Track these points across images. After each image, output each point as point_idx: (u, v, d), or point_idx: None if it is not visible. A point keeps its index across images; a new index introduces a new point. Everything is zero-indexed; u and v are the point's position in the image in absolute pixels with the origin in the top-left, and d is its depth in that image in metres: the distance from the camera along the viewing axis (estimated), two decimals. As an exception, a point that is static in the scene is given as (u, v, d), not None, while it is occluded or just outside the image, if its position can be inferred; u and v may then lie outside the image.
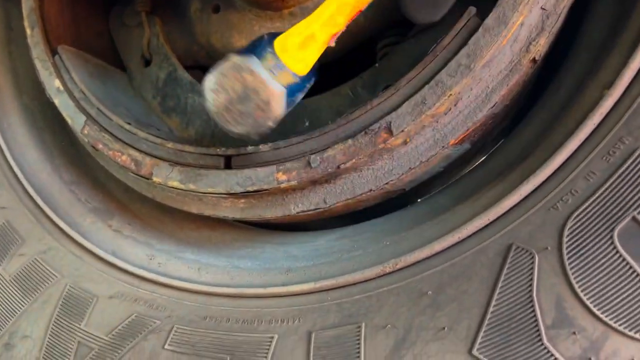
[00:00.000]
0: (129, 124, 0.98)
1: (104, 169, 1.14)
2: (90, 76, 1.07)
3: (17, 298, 0.96)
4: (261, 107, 0.75)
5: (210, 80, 0.77)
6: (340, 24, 0.78)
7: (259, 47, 0.78)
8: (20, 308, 0.95)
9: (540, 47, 0.80)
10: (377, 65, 1.04)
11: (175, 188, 0.91)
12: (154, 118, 1.15)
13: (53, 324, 0.91)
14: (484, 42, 0.77)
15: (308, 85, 0.84)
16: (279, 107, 0.75)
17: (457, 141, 0.84)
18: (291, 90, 0.78)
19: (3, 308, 0.96)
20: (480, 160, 0.95)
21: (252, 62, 0.75)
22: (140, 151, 0.95)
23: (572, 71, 0.84)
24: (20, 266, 0.99)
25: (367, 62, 1.09)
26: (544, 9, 0.79)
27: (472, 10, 0.80)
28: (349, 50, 1.11)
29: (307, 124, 1.07)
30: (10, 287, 0.97)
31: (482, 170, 0.90)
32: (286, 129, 1.08)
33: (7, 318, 0.95)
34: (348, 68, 1.15)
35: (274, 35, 0.80)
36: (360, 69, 1.08)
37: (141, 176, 0.94)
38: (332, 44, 0.81)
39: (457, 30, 0.80)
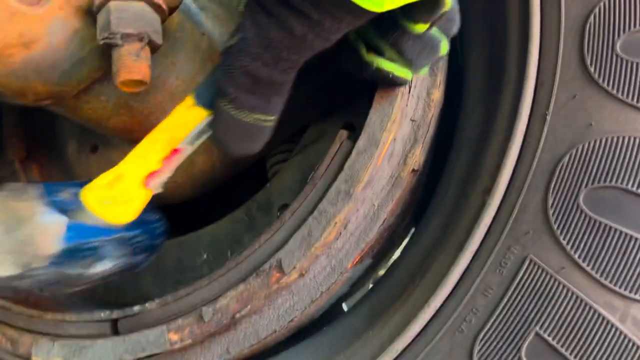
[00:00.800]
0: (3, 298, 0.88)
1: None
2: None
3: None
4: (27, 242, 0.61)
5: None
6: (153, 161, 0.69)
7: (57, 184, 0.69)
8: None
9: (417, 157, 0.79)
10: (268, 185, 1.01)
11: (59, 366, 0.81)
12: (38, 275, 1.05)
13: None
14: (360, 165, 0.75)
15: (134, 233, 0.73)
16: (48, 243, 0.62)
17: (354, 263, 0.80)
18: (88, 232, 0.66)
19: None
20: (382, 275, 0.91)
21: (28, 190, 0.65)
22: (16, 328, 0.85)
23: (455, 173, 0.84)
24: None
25: (261, 180, 1.06)
26: (413, 120, 0.79)
27: (343, 133, 0.79)
28: (240, 172, 1.07)
29: (204, 256, 1.01)
30: None
31: (387, 285, 0.86)
32: (183, 266, 1.01)
33: None
34: (242, 189, 1.12)
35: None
36: (255, 187, 1.04)
37: (19, 357, 0.84)
38: (158, 190, 0.72)
39: (332, 156, 0.78)
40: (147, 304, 0.80)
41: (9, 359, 0.89)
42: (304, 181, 0.93)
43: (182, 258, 1.02)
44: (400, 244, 0.99)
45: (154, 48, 0.69)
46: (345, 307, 1.19)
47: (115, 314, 0.81)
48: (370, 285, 0.99)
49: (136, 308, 0.80)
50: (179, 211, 1.10)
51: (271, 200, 1.00)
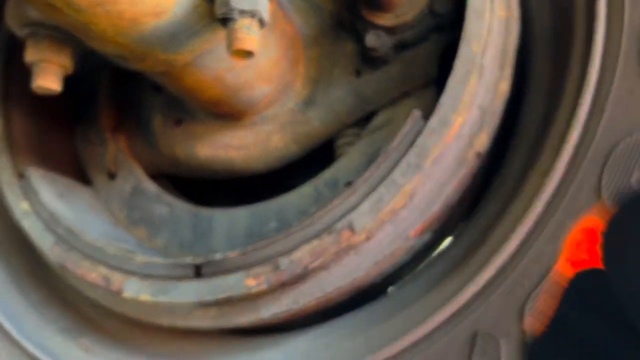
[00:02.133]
0: (98, 240, 0.99)
1: (73, 286, 1.13)
2: (58, 196, 1.10)
3: None
4: None
5: None
6: None
7: None
8: None
9: (483, 142, 0.88)
10: (335, 164, 1.10)
11: (147, 302, 0.92)
12: (120, 231, 1.17)
13: None
14: (430, 142, 0.84)
15: None
16: None
17: (417, 233, 0.89)
18: None
19: None
20: (441, 250, 0.99)
21: None
22: (110, 267, 0.96)
23: (515, 162, 0.92)
24: (-15, 397, 0.95)
25: (326, 160, 1.15)
26: (481, 107, 0.87)
27: (417, 113, 0.87)
28: (308, 152, 1.17)
29: (273, 225, 1.11)
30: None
31: (443, 260, 0.94)
32: (252, 232, 1.11)
33: None
34: (309, 167, 1.22)
35: None
36: (320, 166, 1.14)
37: (111, 292, 0.95)
38: None
39: (404, 133, 0.86)
40: (228, 253, 0.90)
41: (102, 294, 1.00)
42: (369, 162, 1.02)
43: (251, 225, 1.12)
44: (455, 228, 1.06)
45: (261, 26, 0.80)
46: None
47: (200, 259, 0.91)
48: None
49: (218, 255, 0.90)
50: (252, 183, 1.21)
51: (337, 177, 1.09)
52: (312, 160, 1.22)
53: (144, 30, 0.78)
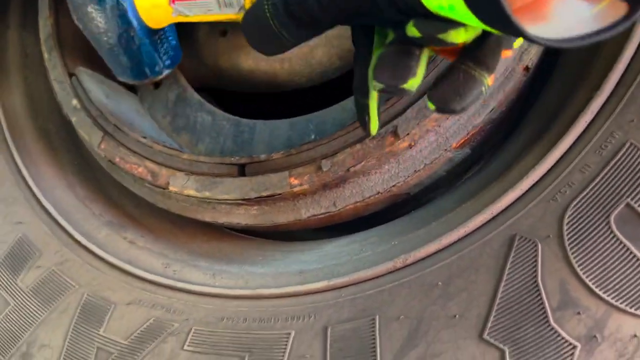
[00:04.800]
0: (145, 137, 1.03)
1: (117, 185, 1.18)
2: (106, 96, 1.12)
3: (34, 308, 0.98)
4: None
5: None
6: None
7: None
8: (38, 318, 0.97)
9: (532, 56, 0.87)
10: (378, 81, 1.11)
11: (191, 196, 0.95)
12: (164, 137, 1.20)
13: (72, 332, 0.93)
14: (481, 51, 0.83)
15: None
16: None
17: (458, 145, 0.90)
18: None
19: (21, 319, 0.98)
20: (480, 166, 1.00)
21: None
22: (157, 163, 0.99)
23: (563, 79, 0.91)
24: (38, 278, 1.01)
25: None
26: (534, 21, 0.86)
27: (468, 23, 0.87)
28: (351, 69, 1.17)
29: (312, 137, 1.13)
30: (28, 298, 1.00)
31: (482, 174, 0.95)
32: (292, 143, 1.13)
33: (25, 328, 0.97)
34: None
35: None
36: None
37: (157, 186, 0.98)
38: (176, 13, 0.90)
39: (455, 41, 0.86)
40: (272, 154, 0.93)
41: (147, 190, 1.04)
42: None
43: (291, 136, 1.14)
44: (495, 149, 1.06)
45: None
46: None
47: (244, 159, 0.94)
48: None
49: (263, 156, 0.93)
50: (294, 97, 1.22)
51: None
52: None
53: None
